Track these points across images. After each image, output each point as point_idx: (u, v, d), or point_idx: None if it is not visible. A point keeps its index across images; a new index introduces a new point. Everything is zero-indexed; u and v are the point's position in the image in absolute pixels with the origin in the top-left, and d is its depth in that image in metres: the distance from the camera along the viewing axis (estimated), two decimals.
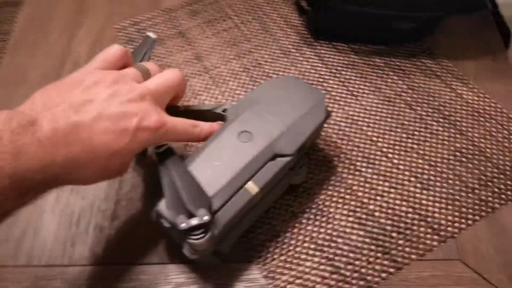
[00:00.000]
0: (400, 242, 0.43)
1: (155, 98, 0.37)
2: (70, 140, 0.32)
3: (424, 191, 0.46)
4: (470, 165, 0.48)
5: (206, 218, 0.34)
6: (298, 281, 0.41)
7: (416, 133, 0.51)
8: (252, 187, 0.38)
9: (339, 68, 0.56)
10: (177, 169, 0.37)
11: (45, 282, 0.40)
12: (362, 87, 0.55)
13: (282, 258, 0.42)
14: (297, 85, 0.44)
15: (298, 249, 0.43)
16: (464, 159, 0.49)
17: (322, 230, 0.44)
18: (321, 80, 0.55)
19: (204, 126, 0.41)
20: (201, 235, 0.34)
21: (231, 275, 0.41)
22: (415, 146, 0.49)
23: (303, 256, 0.42)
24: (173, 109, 0.41)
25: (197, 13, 0.63)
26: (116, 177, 0.38)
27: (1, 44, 0.60)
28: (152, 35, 0.46)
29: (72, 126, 0.32)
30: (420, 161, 0.48)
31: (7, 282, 0.40)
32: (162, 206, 0.36)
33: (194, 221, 0.34)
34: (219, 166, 0.38)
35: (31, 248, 0.43)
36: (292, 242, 0.43)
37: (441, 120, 0.52)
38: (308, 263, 0.42)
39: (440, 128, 0.51)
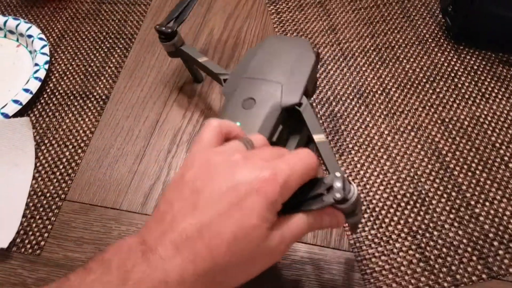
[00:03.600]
0: (500, 252, 0.41)
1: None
2: (181, 248, 0.27)
3: None
4: None
5: (338, 174, 0.31)
6: (383, 257, 0.41)
7: None
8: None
9: (475, 67, 0.54)
10: None
11: None
12: (496, 90, 0.52)
13: (373, 232, 0.43)
14: (280, 40, 0.44)
15: (390, 228, 0.43)
16: None
17: (419, 218, 0.43)
18: (452, 74, 0.54)
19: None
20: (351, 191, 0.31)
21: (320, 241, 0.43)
22: None
23: (394, 236, 0.42)
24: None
25: None
26: (266, 265, 0.30)
27: (142, 8, 0.66)
28: None
29: (179, 234, 0.28)
30: None
31: (135, 227, 0.45)
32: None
33: (338, 183, 0.30)
34: None
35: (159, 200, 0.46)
36: (386, 220, 0.43)
37: None
38: (397, 244, 0.42)
39: None
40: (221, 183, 0.29)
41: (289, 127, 0.40)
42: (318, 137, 0.38)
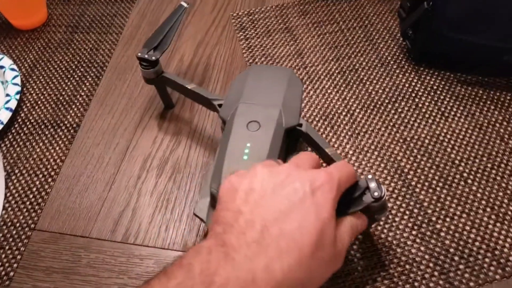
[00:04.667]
0: (461, 267, 0.42)
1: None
2: (264, 245, 0.28)
3: (498, 224, 0.45)
4: None
5: (370, 176, 0.36)
6: (348, 277, 0.42)
7: (502, 165, 0.49)
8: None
9: (434, 87, 0.56)
10: None
11: (138, 260, 0.44)
12: (455, 109, 0.54)
13: None
14: (267, 69, 0.47)
15: (355, 247, 0.44)
16: None
17: (382, 235, 0.44)
18: (413, 95, 0.56)
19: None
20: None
21: None
22: (498, 178, 0.48)
23: (358, 255, 0.43)
24: None
25: (307, 13, 0.67)
26: (334, 268, 0.32)
27: (114, 37, 0.67)
28: (184, 4, 0.53)
29: (260, 232, 0.28)
30: (500, 194, 0.47)
31: (104, 254, 0.45)
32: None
33: (373, 183, 0.35)
34: (248, 160, 0.38)
35: (128, 227, 0.47)
36: None
37: None
38: (362, 262, 0.43)
39: None
40: (283, 186, 0.30)
41: (286, 148, 0.42)
42: (330, 150, 0.42)
